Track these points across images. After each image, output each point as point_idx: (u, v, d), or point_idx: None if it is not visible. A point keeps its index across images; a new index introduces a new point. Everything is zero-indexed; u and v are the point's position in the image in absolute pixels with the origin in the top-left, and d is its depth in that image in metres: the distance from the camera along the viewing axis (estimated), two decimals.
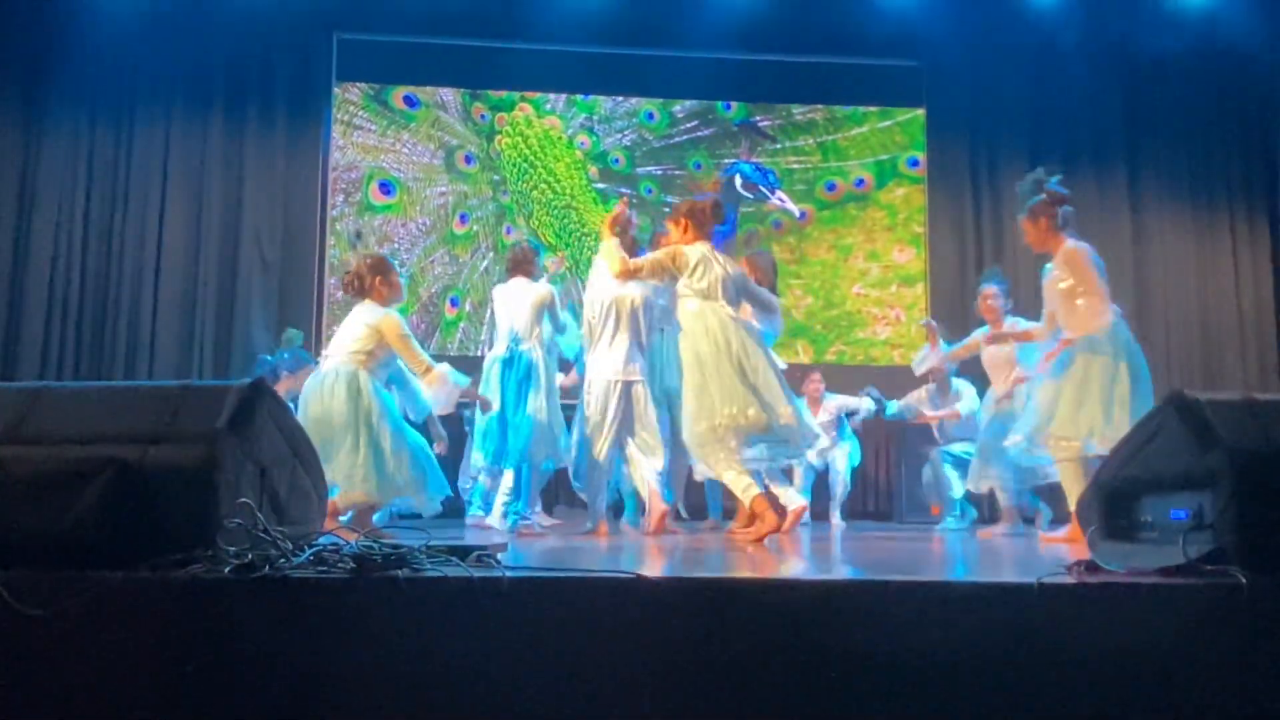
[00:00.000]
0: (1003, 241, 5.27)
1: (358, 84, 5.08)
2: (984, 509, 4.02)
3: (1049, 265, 2.86)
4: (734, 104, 5.38)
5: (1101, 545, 1.40)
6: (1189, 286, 5.18)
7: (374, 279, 2.65)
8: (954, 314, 5.41)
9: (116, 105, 4.99)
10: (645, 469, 2.87)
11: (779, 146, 5.33)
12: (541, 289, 3.18)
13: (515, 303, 3.15)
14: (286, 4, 4.97)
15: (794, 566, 1.86)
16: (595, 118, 5.27)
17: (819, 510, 4.27)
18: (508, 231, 5.06)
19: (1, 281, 4.84)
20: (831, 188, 5.32)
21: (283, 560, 1.09)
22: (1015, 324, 3.39)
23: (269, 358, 3.91)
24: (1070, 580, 1.13)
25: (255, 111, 5.02)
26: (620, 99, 5.30)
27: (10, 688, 0.95)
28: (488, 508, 3.40)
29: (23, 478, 1.09)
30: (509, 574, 1.07)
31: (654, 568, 1.45)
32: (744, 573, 1.46)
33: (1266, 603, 1.01)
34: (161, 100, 5.03)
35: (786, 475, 3.24)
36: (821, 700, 0.95)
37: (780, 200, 5.21)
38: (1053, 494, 3.27)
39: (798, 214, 5.24)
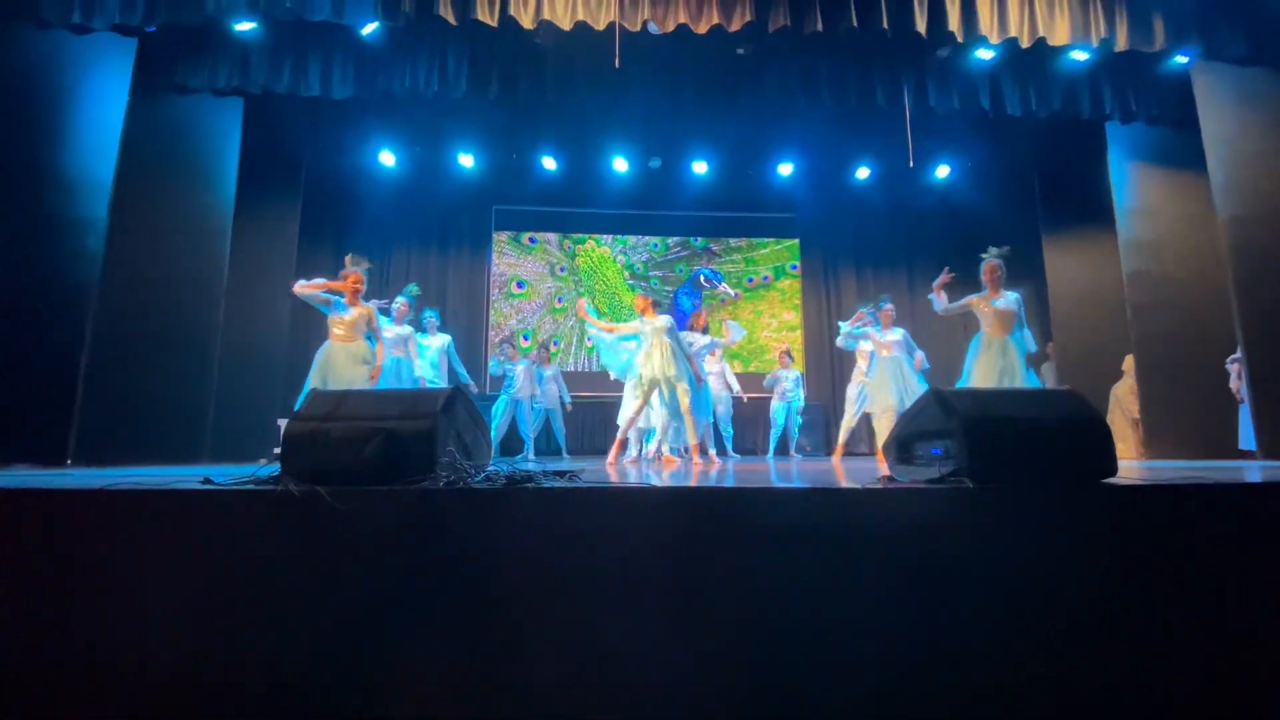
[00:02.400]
0: (841, 308, 9.69)
1: (505, 231, 9.33)
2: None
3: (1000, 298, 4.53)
4: (699, 238, 9.57)
5: (896, 468, 2.02)
6: (941, 338, 8.91)
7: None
8: (817, 346, 9.68)
9: (383, 241, 8.98)
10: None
11: (723, 259, 9.58)
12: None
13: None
14: (467, 189, 8.93)
15: (725, 478, 2.44)
16: (627, 246, 9.51)
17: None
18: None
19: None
20: (751, 280, 9.58)
21: (468, 479, 1.64)
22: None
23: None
24: (879, 486, 1.71)
25: (453, 244, 9.19)
26: (640, 236, 9.50)
27: (326, 547, 1.53)
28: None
29: (337, 437, 1.67)
30: (584, 484, 1.69)
31: (660, 481, 1.99)
32: (710, 484, 1.91)
33: (982, 497, 1.62)
34: (403, 239, 9.13)
35: None
36: (746, 551, 1.55)
37: (724, 288, 9.52)
38: None
39: (734, 295, 9.51)
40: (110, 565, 1.56)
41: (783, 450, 7.87)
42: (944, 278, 4.91)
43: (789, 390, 7.58)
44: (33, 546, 1.57)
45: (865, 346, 6.22)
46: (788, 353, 7.97)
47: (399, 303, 5.69)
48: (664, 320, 4.82)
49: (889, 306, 5.86)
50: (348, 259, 4.73)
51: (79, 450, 4.50)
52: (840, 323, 6.30)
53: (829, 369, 9.39)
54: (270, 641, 1.52)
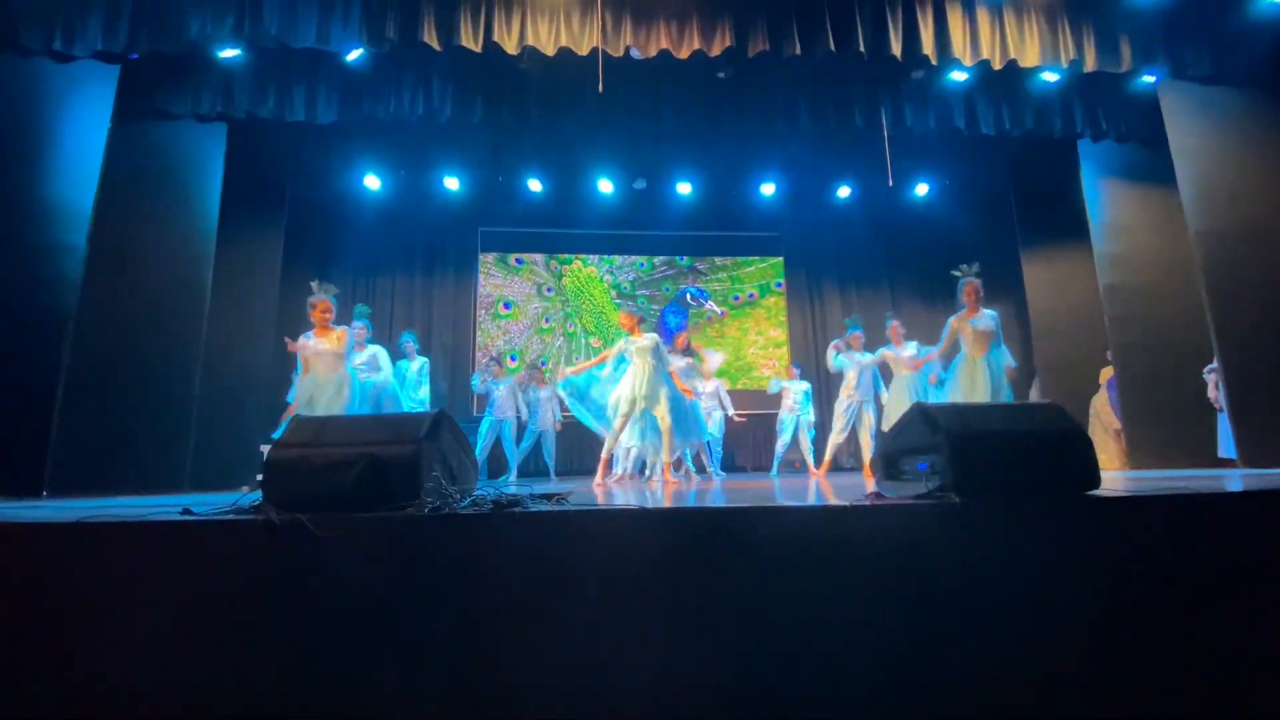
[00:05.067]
0: (826, 324, 9.78)
1: (491, 252, 9.34)
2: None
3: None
4: (685, 256, 9.64)
5: (884, 484, 2.06)
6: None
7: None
8: (803, 363, 9.68)
9: (368, 264, 8.94)
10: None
11: (708, 278, 9.65)
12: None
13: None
14: (453, 211, 8.91)
15: (723, 499, 2.34)
16: (614, 266, 9.55)
17: None
18: (570, 326, 9.48)
19: None
20: (736, 298, 9.64)
21: (454, 504, 1.63)
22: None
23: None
24: (868, 503, 1.73)
25: (438, 267, 9.19)
26: (627, 256, 9.54)
27: (310, 577, 1.50)
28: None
29: (319, 464, 1.65)
30: (571, 508, 1.68)
31: (653, 502, 1.91)
32: (699, 505, 1.91)
33: (968, 512, 1.64)
34: (388, 262, 9.09)
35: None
36: (741, 570, 1.56)
37: (710, 306, 9.59)
38: None
39: (720, 313, 9.58)
40: (88, 599, 1.52)
41: (785, 466, 7.54)
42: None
43: (798, 403, 7.32)
44: (6, 581, 1.52)
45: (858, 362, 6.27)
46: (796, 365, 7.83)
47: (356, 327, 5.53)
48: (649, 339, 4.81)
49: (896, 323, 5.88)
50: (315, 284, 4.63)
51: (55, 481, 4.40)
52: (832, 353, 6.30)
53: (816, 385, 9.40)
54: (253, 674, 1.48)
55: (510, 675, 1.50)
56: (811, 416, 7.42)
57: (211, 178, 5.93)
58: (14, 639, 1.49)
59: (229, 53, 5.46)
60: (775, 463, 7.41)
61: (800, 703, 1.53)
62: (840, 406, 6.23)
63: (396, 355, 6.57)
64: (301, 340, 4.47)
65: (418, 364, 6.42)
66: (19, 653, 1.48)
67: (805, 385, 7.50)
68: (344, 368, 4.44)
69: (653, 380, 4.69)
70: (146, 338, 5.30)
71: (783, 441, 7.32)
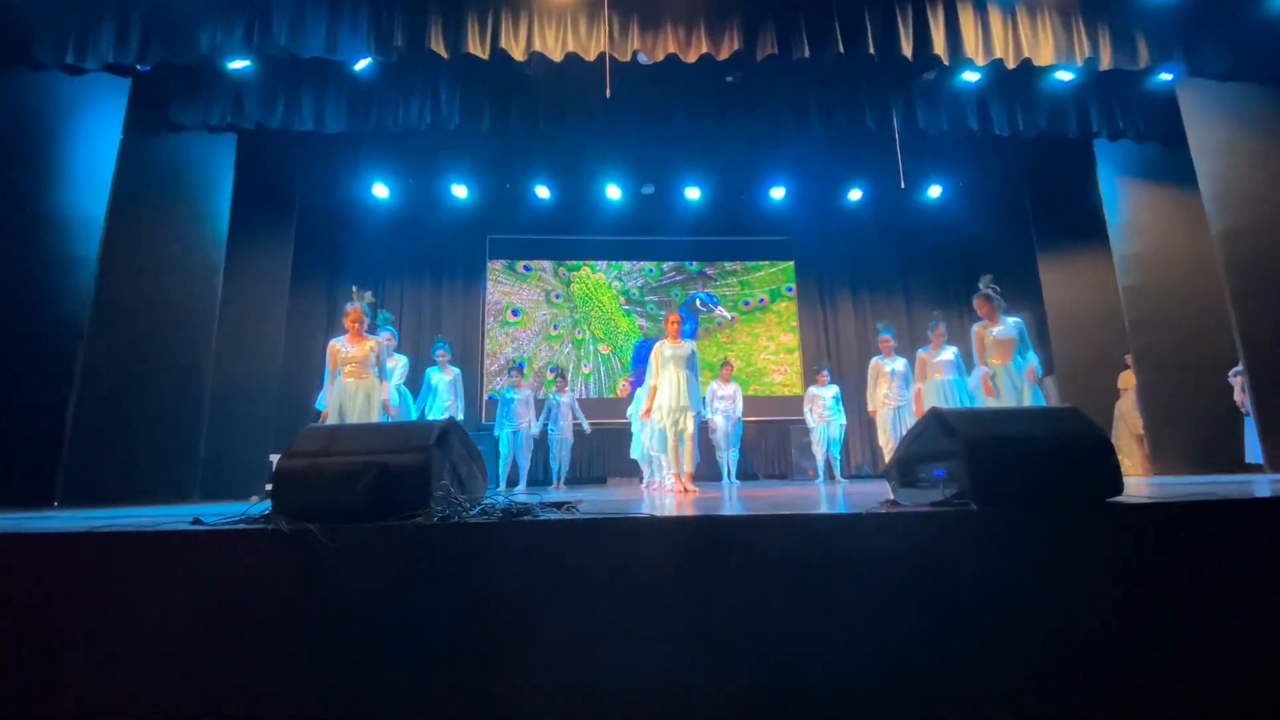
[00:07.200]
0: (839, 329, 9.69)
1: (500, 259, 9.36)
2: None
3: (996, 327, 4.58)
4: (694, 262, 9.59)
5: (899, 491, 2.05)
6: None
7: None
8: (813, 367, 9.70)
9: (377, 272, 8.91)
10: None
11: (718, 283, 9.60)
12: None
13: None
14: (461, 219, 8.97)
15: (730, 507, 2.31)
16: (622, 272, 9.52)
17: None
18: (579, 333, 9.46)
19: (316, 378, 9.04)
20: (747, 304, 9.57)
21: (463, 513, 1.62)
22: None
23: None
24: (883, 511, 1.68)
25: (447, 274, 9.21)
26: (635, 262, 9.53)
27: (319, 587, 1.50)
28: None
29: (329, 473, 1.63)
30: (582, 516, 1.66)
31: (662, 511, 1.96)
32: (711, 513, 1.90)
33: (987, 519, 1.61)
34: (397, 270, 9.11)
35: None
36: (749, 578, 1.53)
37: (721, 312, 9.52)
38: None
39: (730, 318, 9.49)
40: (98, 610, 1.51)
41: (829, 474, 7.21)
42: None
43: (828, 409, 7.02)
44: (18, 592, 1.51)
45: (885, 368, 6.08)
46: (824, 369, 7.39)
47: (384, 336, 5.45)
48: (687, 347, 4.82)
49: (941, 327, 5.63)
50: (354, 290, 4.70)
51: (67, 491, 4.42)
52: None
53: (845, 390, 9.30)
54: (262, 683, 1.47)
55: (519, 684, 1.48)
56: (843, 419, 7.14)
57: (221, 188, 5.97)
58: (26, 648, 1.48)
59: (238, 64, 5.51)
60: (821, 474, 7.09)
61: (813, 713, 1.49)
62: (883, 412, 6.05)
63: (427, 362, 6.54)
64: (334, 344, 4.48)
65: (451, 375, 6.28)
66: (31, 662, 1.47)
67: (835, 390, 7.20)
68: (373, 376, 4.43)
69: (689, 389, 4.72)
70: (157, 347, 5.33)
71: (820, 450, 7.07)
